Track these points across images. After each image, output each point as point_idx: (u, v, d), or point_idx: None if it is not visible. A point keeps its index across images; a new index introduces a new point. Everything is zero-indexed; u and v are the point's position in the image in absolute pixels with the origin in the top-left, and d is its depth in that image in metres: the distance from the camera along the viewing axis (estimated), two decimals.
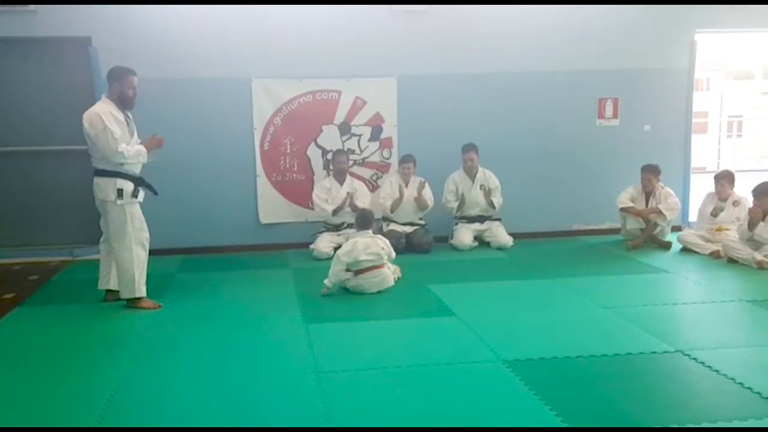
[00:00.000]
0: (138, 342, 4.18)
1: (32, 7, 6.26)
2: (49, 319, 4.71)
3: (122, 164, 4.70)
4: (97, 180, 4.77)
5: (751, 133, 22.18)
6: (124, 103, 4.76)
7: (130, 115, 4.85)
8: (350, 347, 4.00)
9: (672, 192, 6.78)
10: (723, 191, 6.47)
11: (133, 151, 4.72)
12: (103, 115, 4.60)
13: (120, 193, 4.70)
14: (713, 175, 6.82)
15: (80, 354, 3.97)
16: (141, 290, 4.82)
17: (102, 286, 5.04)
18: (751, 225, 5.82)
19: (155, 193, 5.01)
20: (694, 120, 7.53)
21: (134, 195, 4.77)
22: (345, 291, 5.19)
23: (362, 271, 5.12)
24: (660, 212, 6.65)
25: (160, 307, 4.87)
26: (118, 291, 4.90)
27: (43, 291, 5.48)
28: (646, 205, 6.77)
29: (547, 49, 7.09)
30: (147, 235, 4.89)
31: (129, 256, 4.76)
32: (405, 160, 6.76)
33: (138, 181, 4.83)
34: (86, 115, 4.68)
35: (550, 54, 7.11)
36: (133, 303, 4.83)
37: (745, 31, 7.82)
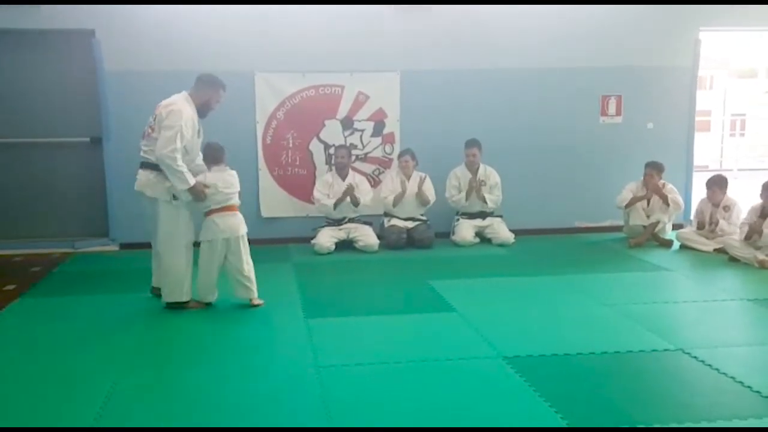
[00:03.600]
0: (138, 334, 4.18)
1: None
2: (50, 310, 4.71)
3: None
4: (148, 174, 4.49)
5: (755, 131, 22.16)
6: (203, 111, 4.62)
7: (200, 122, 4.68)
8: (350, 342, 4.00)
9: (675, 189, 6.78)
10: (714, 196, 6.48)
11: (181, 169, 4.35)
12: (187, 119, 4.41)
13: (174, 195, 4.47)
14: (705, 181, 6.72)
15: (80, 346, 3.97)
16: (188, 294, 4.62)
17: (155, 283, 4.81)
18: (750, 234, 5.83)
19: None
20: (697, 118, 7.52)
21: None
22: (345, 287, 5.18)
23: (216, 211, 4.63)
24: (666, 200, 6.62)
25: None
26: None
27: (44, 282, 5.48)
28: (648, 203, 6.75)
29: (551, 46, 7.08)
30: (192, 236, 4.67)
31: (179, 259, 4.54)
32: (403, 153, 6.76)
33: None
34: (170, 107, 4.42)
35: (554, 51, 7.09)
36: (177, 306, 4.60)
37: (749, 30, 7.81)
